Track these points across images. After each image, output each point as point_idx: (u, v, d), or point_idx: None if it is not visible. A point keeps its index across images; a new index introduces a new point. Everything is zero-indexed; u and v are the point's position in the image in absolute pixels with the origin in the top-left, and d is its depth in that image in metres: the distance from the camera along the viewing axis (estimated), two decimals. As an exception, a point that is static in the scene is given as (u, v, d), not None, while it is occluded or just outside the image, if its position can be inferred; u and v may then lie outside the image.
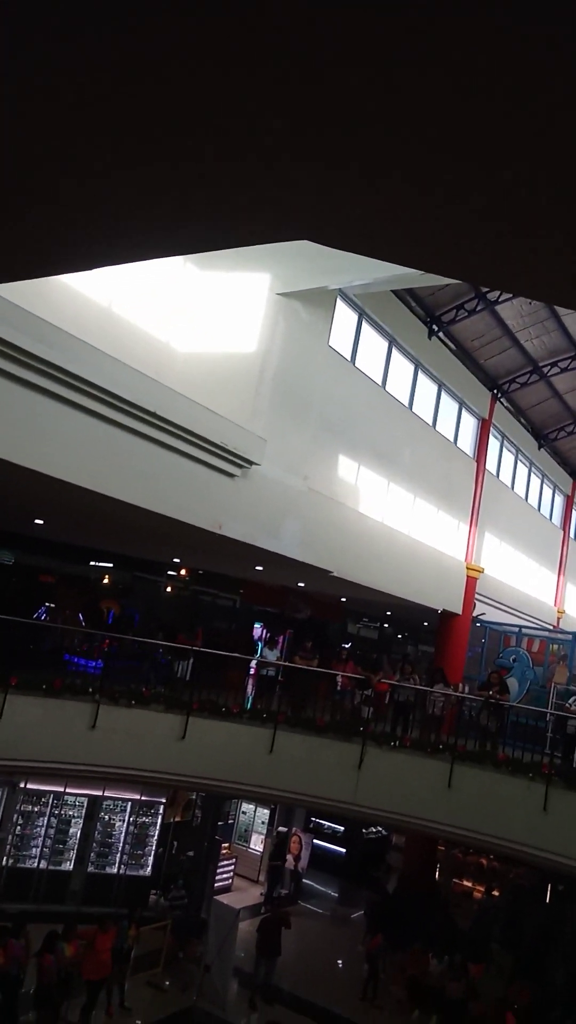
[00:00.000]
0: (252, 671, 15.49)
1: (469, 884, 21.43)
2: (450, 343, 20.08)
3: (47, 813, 16.74)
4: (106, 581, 21.70)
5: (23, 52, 2.11)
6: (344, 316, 16.23)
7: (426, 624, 23.93)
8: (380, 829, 22.34)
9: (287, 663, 15.64)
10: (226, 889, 19.13)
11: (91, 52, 2.11)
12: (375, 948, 15.69)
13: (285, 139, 2.62)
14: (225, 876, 19.33)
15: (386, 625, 29.88)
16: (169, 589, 22.90)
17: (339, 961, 17.44)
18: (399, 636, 31.07)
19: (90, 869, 16.95)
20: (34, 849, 16.62)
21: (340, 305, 15.91)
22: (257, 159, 2.82)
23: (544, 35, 1.68)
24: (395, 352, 18.19)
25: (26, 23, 1.95)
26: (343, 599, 21.87)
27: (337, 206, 3.32)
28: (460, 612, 20.68)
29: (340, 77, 1.98)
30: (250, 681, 15.21)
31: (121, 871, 17.16)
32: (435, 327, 19.01)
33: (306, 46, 1.86)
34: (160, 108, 2.43)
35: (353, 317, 16.63)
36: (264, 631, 18.33)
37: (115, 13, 1.85)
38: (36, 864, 16.58)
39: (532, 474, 27.33)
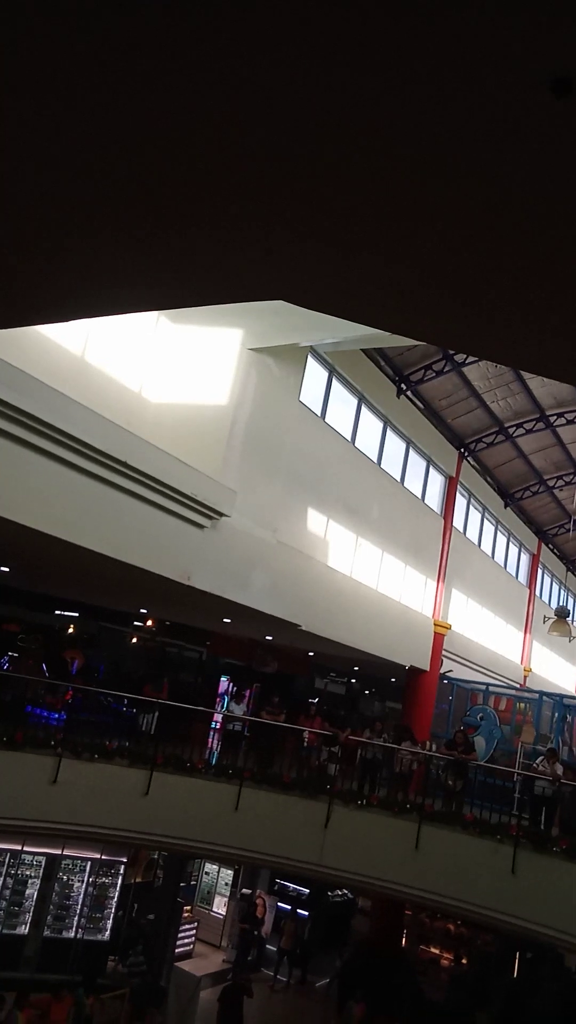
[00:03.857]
0: (218, 725, 15.25)
1: (436, 951, 20.88)
2: (418, 402, 20.47)
3: (2, 873, 16.09)
4: (71, 630, 21.35)
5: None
6: (315, 373, 16.51)
7: (393, 680, 23.82)
8: (346, 892, 21.80)
9: (254, 718, 15.43)
10: (187, 955, 18.44)
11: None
12: (362, 1017, 14.96)
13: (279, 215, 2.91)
14: (187, 941, 18.65)
15: (354, 680, 29.68)
16: (135, 640, 22.58)
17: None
18: (366, 692, 30.86)
19: (46, 933, 16.25)
20: (-13, 912, 15.93)
21: (311, 362, 16.21)
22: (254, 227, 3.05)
23: None
24: (364, 409, 18.50)
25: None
26: (311, 653, 21.74)
27: (317, 271, 3.46)
28: (427, 668, 20.64)
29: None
30: (216, 736, 14.95)
31: (79, 935, 16.48)
32: (403, 386, 19.41)
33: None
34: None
35: (323, 374, 16.93)
36: (231, 684, 18.09)
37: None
38: (-11, 928, 15.88)
39: (499, 532, 27.64)
